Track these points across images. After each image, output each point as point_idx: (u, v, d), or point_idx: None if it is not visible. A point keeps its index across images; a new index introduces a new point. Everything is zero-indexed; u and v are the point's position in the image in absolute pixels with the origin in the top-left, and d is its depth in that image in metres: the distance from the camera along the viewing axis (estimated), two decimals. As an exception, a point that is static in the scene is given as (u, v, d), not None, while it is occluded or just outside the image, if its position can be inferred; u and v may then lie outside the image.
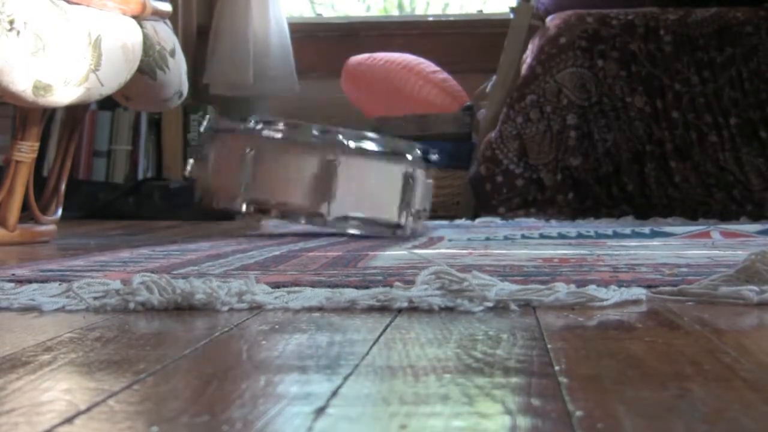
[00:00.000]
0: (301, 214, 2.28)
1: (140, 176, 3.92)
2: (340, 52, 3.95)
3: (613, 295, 1.13)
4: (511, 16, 3.47)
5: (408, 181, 2.28)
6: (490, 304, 1.10)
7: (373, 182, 2.28)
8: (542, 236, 2.25)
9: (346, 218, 2.27)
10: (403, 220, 2.29)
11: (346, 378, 0.74)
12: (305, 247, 1.96)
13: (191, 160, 2.37)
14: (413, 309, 1.09)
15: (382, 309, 1.10)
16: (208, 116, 2.44)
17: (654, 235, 2.28)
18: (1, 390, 0.71)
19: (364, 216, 2.28)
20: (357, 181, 2.26)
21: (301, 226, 2.39)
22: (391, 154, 2.29)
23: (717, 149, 3.12)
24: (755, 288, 1.13)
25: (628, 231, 2.35)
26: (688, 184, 3.11)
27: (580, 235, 2.28)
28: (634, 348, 0.86)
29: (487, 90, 3.49)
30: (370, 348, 0.87)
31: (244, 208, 2.30)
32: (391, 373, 0.76)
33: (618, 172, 3.15)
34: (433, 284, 1.13)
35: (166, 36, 2.28)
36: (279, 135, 2.29)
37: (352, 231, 2.26)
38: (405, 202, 2.28)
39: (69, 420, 0.62)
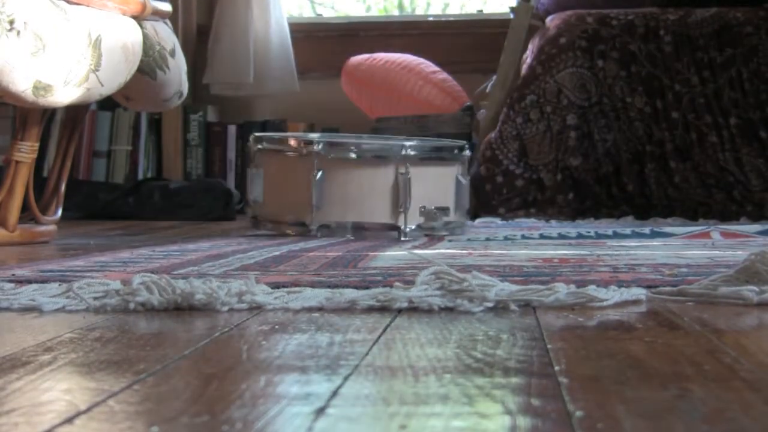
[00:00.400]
0: (290, 226, 2.33)
1: (140, 176, 3.92)
2: (340, 52, 3.96)
3: (613, 295, 1.13)
4: (511, 16, 3.47)
5: (399, 181, 2.29)
6: (490, 305, 1.10)
7: (358, 188, 2.30)
8: (542, 236, 2.25)
9: (332, 226, 2.29)
10: (400, 222, 2.30)
11: (346, 378, 0.74)
12: (305, 247, 1.96)
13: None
14: (413, 309, 1.09)
15: (382, 309, 1.10)
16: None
17: (654, 235, 2.28)
18: (1, 390, 0.71)
19: (354, 222, 2.30)
20: (341, 188, 2.29)
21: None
22: (377, 158, 2.31)
23: (717, 150, 3.12)
24: (755, 288, 1.13)
25: (628, 231, 2.35)
26: (688, 185, 3.12)
27: (580, 236, 2.28)
28: (634, 348, 0.86)
29: (487, 90, 3.49)
30: (370, 348, 0.87)
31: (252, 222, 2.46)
32: (391, 374, 0.76)
33: (618, 172, 3.15)
34: (433, 284, 1.13)
35: (166, 36, 2.28)
36: (270, 147, 2.39)
37: (346, 237, 2.27)
38: (400, 203, 2.29)
39: (69, 420, 0.62)
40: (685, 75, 3.16)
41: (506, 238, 2.20)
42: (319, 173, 2.29)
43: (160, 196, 3.50)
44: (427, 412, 0.64)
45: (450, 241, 2.18)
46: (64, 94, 1.99)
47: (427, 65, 3.74)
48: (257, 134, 2.47)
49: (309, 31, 4.20)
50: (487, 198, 3.17)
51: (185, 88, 2.36)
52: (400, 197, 2.29)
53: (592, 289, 1.15)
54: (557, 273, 1.39)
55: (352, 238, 2.27)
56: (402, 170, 2.30)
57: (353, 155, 2.32)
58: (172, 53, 2.28)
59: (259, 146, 2.40)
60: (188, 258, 1.69)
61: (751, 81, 3.13)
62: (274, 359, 0.83)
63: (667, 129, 3.14)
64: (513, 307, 1.09)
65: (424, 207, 2.33)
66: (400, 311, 1.09)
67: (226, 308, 1.11)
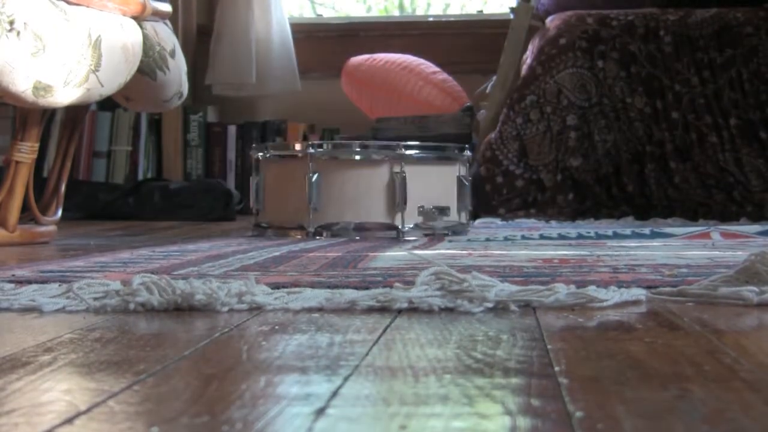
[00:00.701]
0: (291, 230, 2.35)
1: (140, 177, 3.92)
2: (341, 52, 3.96)
3: (613, 295, 1.13)
4: (511, 16, 3.47)
5: (394, 181, 2.30)
6: (490, 305, 1.10)
7: (354, 188, 2.31)
8: (542, 237, 2.25)
9: (330, 226, 2.30)
10: (398, 221, 2.30)
11: (346, 378, 0.74)
12: (305, 248, 1.96)
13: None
14: (413, 310, 1.10)
15: (382, 310, 1.10)
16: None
17: (654, 235, 2.28)
18: (1, 390, 0.71)
19: (350, 222, 2.30)
20: (337, 189, 2.30)
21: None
22: (372, 158, 2.31)
23: (717, 150, 3.12)
24: (755, 289, 1.13)
25: (628, 232, 2.35)
26: (688, 185, 3.12)
27: (580, 236, 2.28)
28: (634, 349, 0.86)
29: (487, 91, 3.49)
30: (370, 348, 0.87)
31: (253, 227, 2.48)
32: (391, 374, 0.76)
33: (618, 172, 3.15)
34: (433, 285, 1.13)
35: (166, 36, 2.28)
36: (268, 153, 2.42)
37: (348, 238, 2.27)
38: (396, 203, 2.29)
39: (69, 420, 0.62)
40: (685, 75, 3.16)
41: (506, 239, 2.20)
42: (315, 175, 2.30)
43: (160, 197, 3.50)
44: (427, 413, 0.64)
45: (450, 241, 2.18)
46: (64, 95, 1.99)
47: (427, 66, 3.74)
48: (255, 145, 2.50)
49: (309, 32, 4.21)
50: (487, 198, 3.17)
51: (185, 88, 2.36)
52: (396, 197, 2.30)
53: (592, 290, 1.15)
54: (557, 273, 1.39)
55: (357, 238, 2.27)
56: (397, 169, 2.30)
57: (348, 156, 2.32)
58: (172, 54, 2.28)
59: (260, 155, 2.42)
60: (188, 258, 1.69)
61: (751, 81, 3.14)
62: (274, 360, 0.83)
63: (667, 129, 3.14)
64: (513, 307, 1.09)
65: (422, 207, 2.33)
66: (400, 312, 1.09)
67: (226, 309, 1.11)
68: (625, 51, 3.18)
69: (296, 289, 1.20)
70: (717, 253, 1.80)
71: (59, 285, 1.24)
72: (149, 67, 2.21)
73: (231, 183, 3.96)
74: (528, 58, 3.32)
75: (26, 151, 2.16)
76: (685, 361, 0.81)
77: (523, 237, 2.24)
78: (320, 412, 0.64)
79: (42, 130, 2.21)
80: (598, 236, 2.28)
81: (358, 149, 2.34)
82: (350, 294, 1.15)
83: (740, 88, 3.14)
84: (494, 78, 3.44)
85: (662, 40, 3.18)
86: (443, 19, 4.28)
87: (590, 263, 1.57)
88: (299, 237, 2.31)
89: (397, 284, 1.17)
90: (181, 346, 0.90)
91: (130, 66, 2.13)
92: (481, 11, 4.52)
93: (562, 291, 1.13)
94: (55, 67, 1.93)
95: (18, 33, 1.86)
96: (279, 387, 0.73)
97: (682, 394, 0.69)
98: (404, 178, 2.30)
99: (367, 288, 1.20)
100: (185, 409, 0.66)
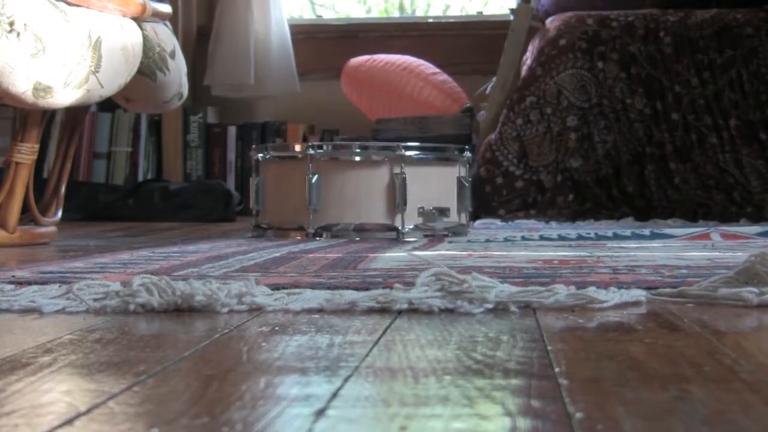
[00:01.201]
0: (291, 231, 2.35)
1: (140, 178, 3.92)
2: (341, 53, 3.96)
3: (613, 296, 1.13)
4: (511, 17, 3.47)
5: (394, 182, 2.30)
6: (490, 306, 1.10)
7: (355, 189, 2.31)
8: (542, 238, 2.25)
9: (330, 227, 2.30)
10: (398, 222, 2.30)
11: (346, 379, 0.74)
12: (305, 249, 1.96)
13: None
14: (413, 311, 1.10)
15: (382, 310, 1.10)
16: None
17: (654, 236, 2.28)
18: (0, 392, 0.71)
19: (350, 223, 2.30)
20: (338, 190, 2.30)
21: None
22: (372, 159, 2.31)
23: (717, 151, 3.12)
24: (755, 290, 1.13)
25: (628, 233, 2.35)
26: (688, 186, 3.12)
27: (580, 237, 2.28)
28: (634, 350, 0.86)
29: (487, 92, 3.49)
30: (370, 349, 0.87)
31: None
32: (391, 375, 0.76)
33: (618, 173, 3.15)
34: (433, 286, 1.13)
35: (166, 37, 2.28)
36: (268, 154, 2.41)
37: (348, 239, 2.27)
38: (396, 204, 2.30)
39: (69, 422, 0.62)
40: (685, 76, 3.16)
41: (506, 240, 2.20)
42: (315, 176, 2.30)
43: (160, 198, 3.50)
44: (427, 414, 0.64)
45: (450, 242, 2.18)
46: (64, 96, 1.99)
47: (427, 66, 3.74)
48: (255, 146, 2.49)
49: (309, 33, 4.21)
50: (487, 199, 3.17)
51: (185, 89, 2.36)
52: (396, 198, 2.30)
53: (592, 291, 1.15)
54: (557, 274, 1.39)
55: (357, 239, 2.27)
56: (397, 170, 2.30)
57: (348, 157, 2.32)
58: (172, 55, 2.28)
59: (260, 155, 2.42)
60: (188, 259, 1.69)
61: (751, 82, 3.14)
62: (274, 360, 0.83)
63: (667, 130, 3.14)
64: (513, 308, 1.09)
65: (422, 208, 2.33)
66: (400, 313, 1.09)
67: (226, 310, 1.11)
68: (625, 52, 3.18)
69: (296, 290, 1.20)
70: (717, 254, 1.80)
71: (59, 286, 1.24)
72: (149, 68, 2.21)
73: (231, 184, 3.96)
74: (528, 59, 3.32)
75: (26, 152, 2.16)
76: (685, 362, 0.81)
77: (523, 238, 2.24)
78: (320, 413, 0.64)
79: (42, 131, 2.21)
80: (598, 237, 2.28)
81: (358, 150, 2.34)
82: (350, 295, 1.15)
83: (740, 89, 3.14)
84: (494, 79, 3.44)
85: (662, 41, 3.18)
86: (443, 20, 4.29)
87: (590, 264, 1.57)
88: (299, 238, 2.31)
89: (397, 285, 1.17)
90: (181, 347, 0.90)
91: (130, 67, 2.13)
92: (481, 12, 4.52)
93: (562, 292, 1.13)
94: (55, 68, 1.93)
95: (18, 34, 1.86)
96: (279, 388, 0.73)
97: (682, 395, 0.69)
98: (404, 179, 2.30)
99: (367, 289, 1.20)
100: (185, 410, 0.66)
